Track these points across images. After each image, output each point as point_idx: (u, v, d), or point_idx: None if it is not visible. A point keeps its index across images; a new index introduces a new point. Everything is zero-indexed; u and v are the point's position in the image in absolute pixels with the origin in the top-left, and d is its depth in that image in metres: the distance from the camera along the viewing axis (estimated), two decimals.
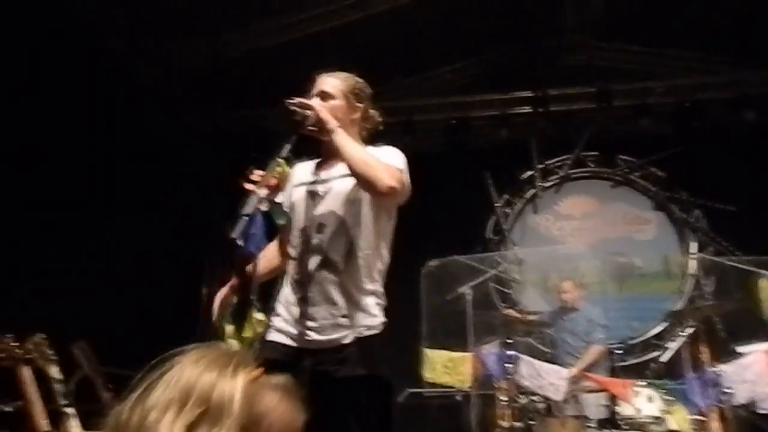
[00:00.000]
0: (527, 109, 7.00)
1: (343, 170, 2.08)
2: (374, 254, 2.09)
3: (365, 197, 2.08)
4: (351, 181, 2.07)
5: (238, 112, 6.99)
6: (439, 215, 6.47)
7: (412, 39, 6.40)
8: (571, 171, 7.17)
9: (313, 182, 2.16)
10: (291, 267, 2.09)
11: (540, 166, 7.09)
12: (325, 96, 2.19)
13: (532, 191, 7.17)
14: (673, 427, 3.93)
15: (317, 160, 2.24)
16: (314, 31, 6.21)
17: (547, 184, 7.18)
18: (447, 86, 7.35)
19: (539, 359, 4.63)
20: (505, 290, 6.57)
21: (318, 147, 2.23)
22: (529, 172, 7.14)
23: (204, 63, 6.46)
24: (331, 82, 2.23)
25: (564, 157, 7.16)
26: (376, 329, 2.00)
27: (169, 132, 6.92)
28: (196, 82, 6.59)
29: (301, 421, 1.17)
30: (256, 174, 2.00)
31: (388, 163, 2.03)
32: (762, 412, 4.08)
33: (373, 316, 2.03)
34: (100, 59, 5.67)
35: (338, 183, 2.11)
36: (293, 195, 2.17)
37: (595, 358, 4.82)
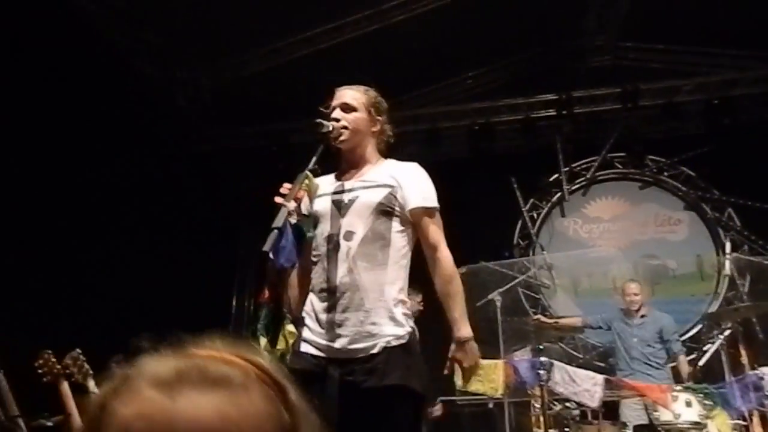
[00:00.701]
0: (552, 113, 6.94)
1: (368, 180, 2.15)
2: (400, 265, 2.10)
3: (396, 209, 2.12)
4: (379, 192, 2.11)
5: (263, 127, 7.09)
6: (466, 221, 6.43)
7: (432, 47, 6.41)
8: (598, 173, 7.07)
9: (337, 192, 2.17)
10: (317, 275, 2.07)
11: (566, 169, 7.01)
12: (347, 108, 2.22)
13: (558, 194, 7.09)
14: None
15: (336, 172, 2.26)
16: (334, 44, 6.28)
17: (574, 187, 7.10)
18: (470, 92, 7.34)
19: (572, 365, 4.56)
20: (535, 295, 6.49)
21: (335, 157, 2.27)
22: (556, 176, 7.06)
23: (229, 81, 6.58)
24: (352, 94, 2.26)
25: (591, 159, 7.07)
26: (403, 339, 2.00)
27: (199, 149, 7.08)
28: (223, 100, 6.72)
29: None
30: (285, 187, 2.02)
31: (433, 226, 2.16)
32: None
33: (401, 325, 2.02)
34: (133, 83, 5.85)
35: (365, 193, 2.13)
36: (315, 205, 2.19)
37: (684, 369, 4.75)
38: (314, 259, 2.06)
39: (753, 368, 3.86)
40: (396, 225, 2.11)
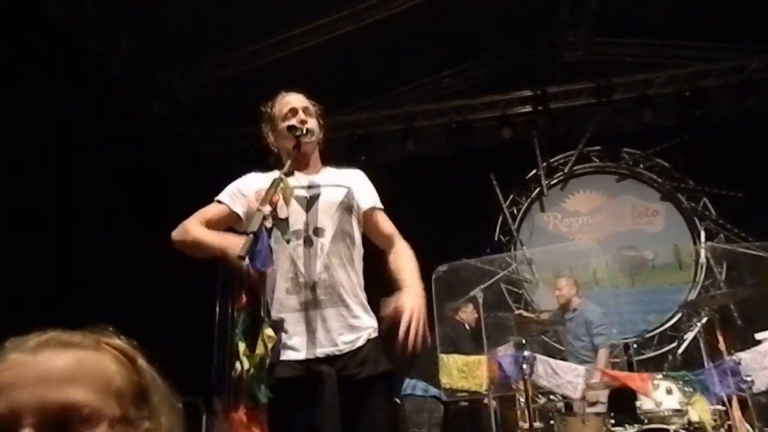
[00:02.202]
0: (528, 109, 7.00)
1: (330, 179, 2.22)
2: (360, 263, 2.18)
3: (354, 208, 2.19)
4: (340, 191, 2.18)
5: (243, 130, 7.06)
6: (447, 219, 6.49)
7: (408, 46, 6.44)
8: (575, 167, 7.16)
9: (295, 187, 2.16)
10: (283, 271, 2.06)
11: (544, 164, 7.08)
12: (307, 111, 2.29)
13: (537, 190, 7.16)
14: (695, 418, 3.89)
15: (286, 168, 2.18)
16: (310, 45, 6.27)
17: (553, 182, 7.17)
18: (447, 90, 7.39)
19: (555, 358, 4.61)
20: (518, 291, 6.55)
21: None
22: (534, 171, 7.13)
23: (208, 84, 6.55)
24: (305, 100, 2.34)
25: (568, 153, 7.15)
26: (377, 329, 2.08)
27: (179, 153, 7.04)
28: (203, 102, 6.68)
29: None
30: (260, 191, 2.03)
31: (388, 222, 2.26)
32: None
33: (374, 317, 2.11)
34: (107, 88, 5.78)
35: (328, 191, 2.17)
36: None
37: (600, 362, 4.76)
38: (275, 255, 2.04)
39: (730, 354, 3.92)
40: (356, 224, 2.19)
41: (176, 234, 2.11)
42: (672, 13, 6.32)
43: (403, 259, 2.14)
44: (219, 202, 2.21)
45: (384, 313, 1.94)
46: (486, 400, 4.41)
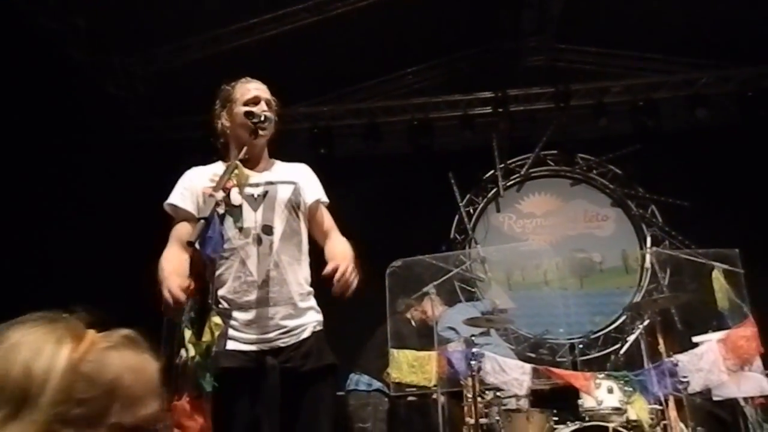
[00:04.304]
0: (489, 110, 7.10)
1: (278, 175, 2.21)
2: (307, 259, 2.21)
3: (301, 204, 2.21)
4: (287, 188, 2.18)
5: (203, 117, 6.92)
6: (405, 216, 6.52)
7: (373, 42, 6.44)
8: (531, 170, 7.30)
9: (248, 185, 2.16)
10: (232, 268, 2.06)
11: (501, 165, 7.19)
12: (269, 105, 2.27)
13: (494, 190, 7.27)
14: (633, 417, 4.04)
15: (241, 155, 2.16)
16: (274, 34, 6.19)
17: (509, 183, 7.29)
18: (410, 88, 7.42)
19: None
20: (471, 288, 6.64)
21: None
22: (492, 172, 7.24)
23: (168, 69, 6.39)
24: (268, 92, 2.31)
25: (525, 156, 7.28)
26: (322, 323, 2.14)
27: (137, 139, 6.86)
28: (157, 89, 6.52)
29: (155, 370, 1.03)
30: (213, 177, 2.00)
31: (328, 217, 2.31)
32: (716, 399, 4.23)
33: (319, 312, 2.17)
34: (60, 69, 5.59)
35: (277, 188, 2.17)
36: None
37: None
38: (225, 253, 2.04)
39: (669, 356, 4.08)
40: (302, 221, 2.22)
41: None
42: (630, 26, 6.52)
43: (338, 241, 2.22)
44: (172, 206, 2.17)
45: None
46: (434, 396, 4.46)
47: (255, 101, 2.23)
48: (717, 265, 4.36)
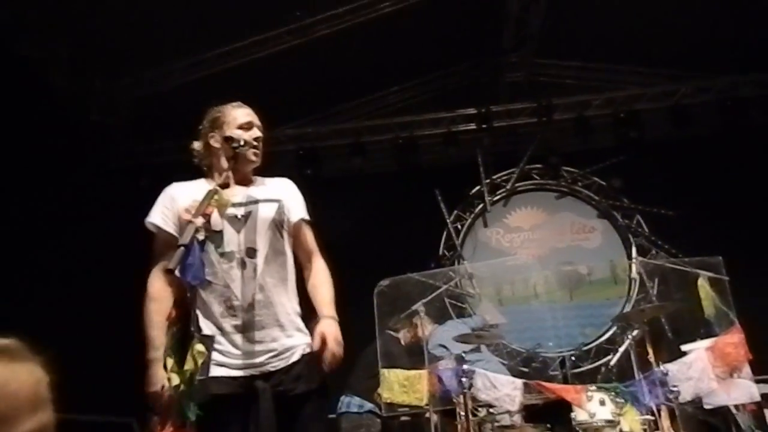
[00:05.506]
0: (473, 126, 7.16)
1: (261, 192, 2.20)
2: (293, 278, 2.20)
3: (285, 222, 2.19)
4: (271, 207, 2.16)
5: (186, 142, 6.92)
6: (393, 234, 6.53)
7: (356, 62, 6.50)
8: (517, 184, 7.34)
9: (230, 206, 2.14)
10: (216, 293, 2.05)
11: (487, 180, 7.24)
12: (261, 130, 2.30)
13: (481, 206, 7.30)
14: (626, 428, 4.02)
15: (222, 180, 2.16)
16: (258, 58, 6.24)
17: (496, 198, 7.33)
18: (394, 107, 7.48)
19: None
20: (461, 305, 6.64)
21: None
22: (478, 187, 7.28)
23: (150, 95, 6.41)
24: (259, 122, 2.32)
25: (510, 171, 7.33)
26: (311, 345, 2.10)
27: (121, 165, 6.85)
28: (145, 114, 6.53)
29: (33, 382, 0.92)
30: (193, 203, 2.00)
31: (311, 237, 2.30)
32: (707, 407, 4.22)
33: (306, 334, 2.14)
34: (45, 97, 5.60)
35: (260, 208, 2.15)
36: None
37: None
38: (208, 278, 2.02)
39: (658, 365, 4.08)
40: (287, 240, 2.20)
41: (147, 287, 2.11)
42: (610, 40, 6.63)
43: (321, 280, 2.22)
44: (155, 225, 2.16)
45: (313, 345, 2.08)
46: (427, 414, 4.43)
47: (249, 126, 2.24)
48: (702, 273, 4.38)
